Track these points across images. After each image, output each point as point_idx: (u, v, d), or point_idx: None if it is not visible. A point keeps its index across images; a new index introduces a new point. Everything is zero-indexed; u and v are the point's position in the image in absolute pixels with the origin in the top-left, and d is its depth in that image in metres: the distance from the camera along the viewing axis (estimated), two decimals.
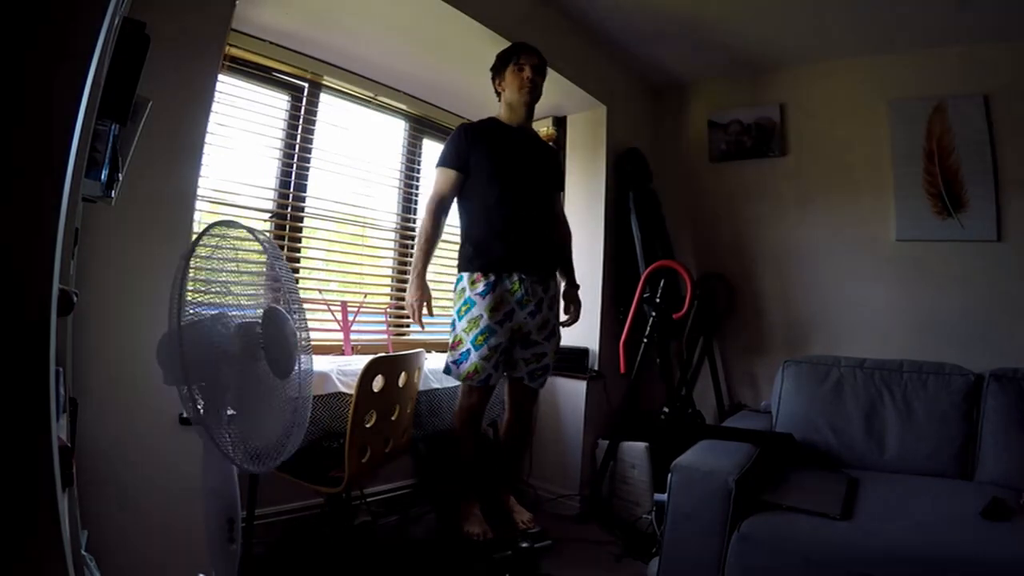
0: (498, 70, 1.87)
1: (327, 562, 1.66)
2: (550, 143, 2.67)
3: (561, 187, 2.12)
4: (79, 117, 0.49)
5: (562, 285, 2.03)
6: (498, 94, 1.90)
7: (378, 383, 1.47)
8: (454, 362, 1.75)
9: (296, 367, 1.00)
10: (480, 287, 1.73)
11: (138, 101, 1.03)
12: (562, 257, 2.03)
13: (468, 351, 1.71)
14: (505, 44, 1.94)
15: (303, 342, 1.03)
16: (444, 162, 1.80)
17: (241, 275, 0.97)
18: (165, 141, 1.29)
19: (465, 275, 1.77)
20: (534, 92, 1.83)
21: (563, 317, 2.03)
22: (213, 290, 0.90)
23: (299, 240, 2.08)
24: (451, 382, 1.95)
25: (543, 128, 2.69)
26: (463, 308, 1.75)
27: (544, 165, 1.93)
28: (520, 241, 1.76)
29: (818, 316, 2.47)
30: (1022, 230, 2.10)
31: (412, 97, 2.42)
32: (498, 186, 1.76)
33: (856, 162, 2.41)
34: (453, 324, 1.79)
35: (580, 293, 2.07)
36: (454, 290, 1.82)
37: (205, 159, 1.43)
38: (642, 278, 2.30)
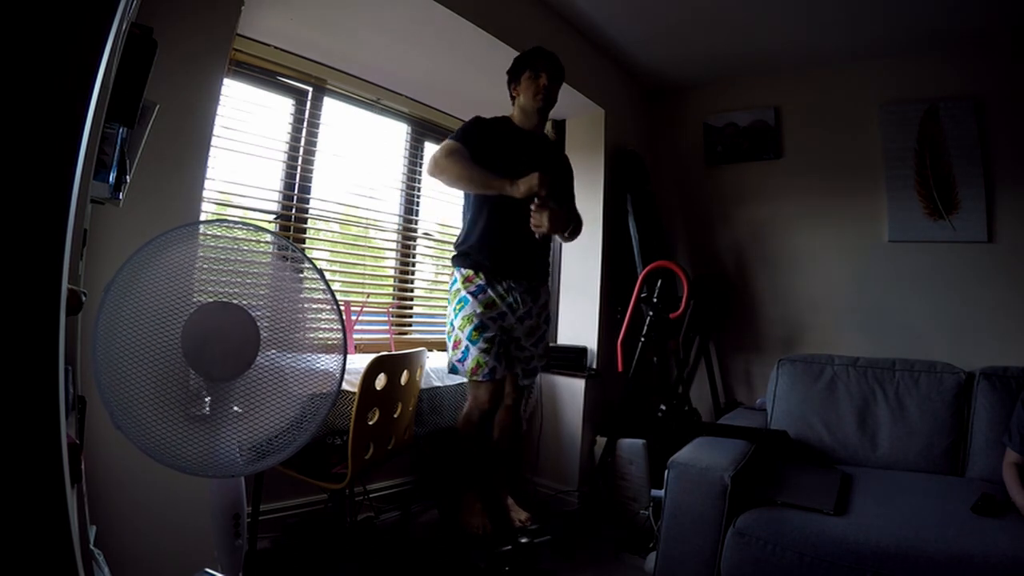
0: (514, 75, 1.83)
1: (331, 557, 1.69)
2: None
3: (568, 198, 1.92)
4: (88, 120, 0.49)
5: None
6: (512, 98, 1.85)
7: (380, 381, 1.49)
8: (458, 360, 1.75)
9: (252, 367, 0.86)
10: (473, 287, 1.75)
11: (145, 104, 1.04)
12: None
13: (467, 347, 1.72)
14: (505, 48, 1.95)
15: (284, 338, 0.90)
16: (456, 136, 1.74)
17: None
18: (172, 144, 1.30)
19: (458, 275, 1.78)
20: (548, 99, 1.80)
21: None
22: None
23: (303, 241, 2.10)
24: (453, 380, 1.97)
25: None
26: (457, 306, 1.76)
27: (552, 173, 1.76)
28: (512, 250, 1.75)
29: (812, 315, 2.49)
30: (1012, 231, 2.13)
31: (414, 100, 2.44)
32: None
33: (849, 164, 2.44)
34: (451, 324, 1.78)
35: (577, 294, 2.06)
36: (449, 290, 1.82)
37: (211, 161, 1.46)
38: (639, 278, 2.32)
